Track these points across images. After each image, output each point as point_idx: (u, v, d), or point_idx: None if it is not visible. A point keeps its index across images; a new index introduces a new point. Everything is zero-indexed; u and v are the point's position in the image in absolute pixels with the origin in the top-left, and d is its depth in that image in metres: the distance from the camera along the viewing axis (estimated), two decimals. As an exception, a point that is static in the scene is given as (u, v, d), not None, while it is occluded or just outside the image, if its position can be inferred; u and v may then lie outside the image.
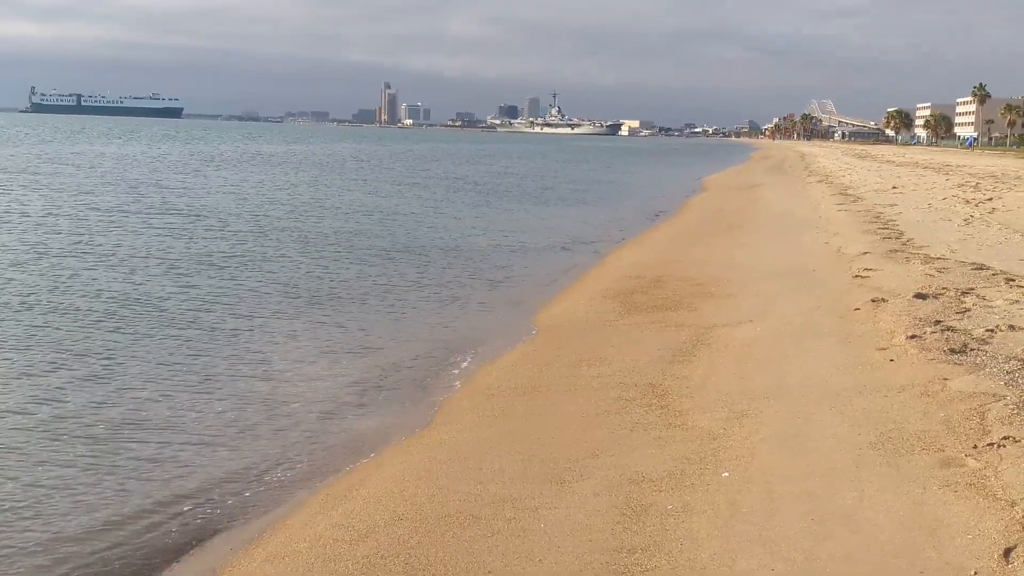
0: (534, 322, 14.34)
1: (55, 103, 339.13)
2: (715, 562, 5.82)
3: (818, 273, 16.28)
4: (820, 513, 6.32)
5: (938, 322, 11.09)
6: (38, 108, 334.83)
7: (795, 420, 8.35)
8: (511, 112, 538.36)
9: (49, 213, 27.51)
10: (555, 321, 14.22)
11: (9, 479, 7.96)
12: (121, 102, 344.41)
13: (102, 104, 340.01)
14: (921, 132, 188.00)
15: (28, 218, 26.06)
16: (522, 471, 7.65)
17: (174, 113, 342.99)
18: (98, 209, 28.99)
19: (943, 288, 13.28)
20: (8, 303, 14.59)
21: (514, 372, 11.10)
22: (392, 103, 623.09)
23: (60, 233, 23.04)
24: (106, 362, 11.68)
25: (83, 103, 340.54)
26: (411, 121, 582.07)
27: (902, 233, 20.86)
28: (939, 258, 16.57)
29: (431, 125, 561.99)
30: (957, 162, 66.96)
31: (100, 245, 21.22)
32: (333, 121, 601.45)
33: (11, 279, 16.53)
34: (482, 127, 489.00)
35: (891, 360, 9.81)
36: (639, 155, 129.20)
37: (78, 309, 14.36)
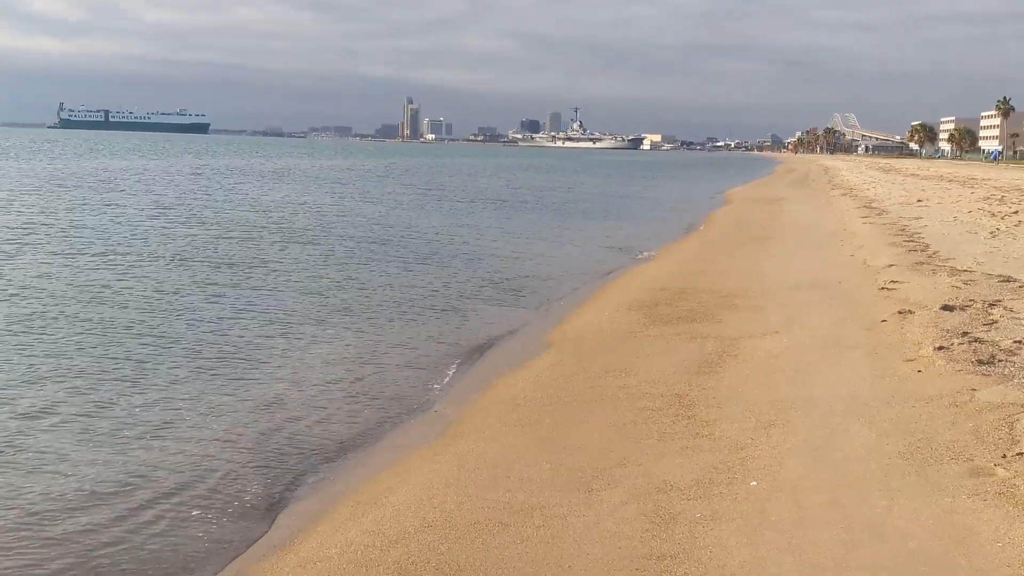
0: (559, 333, 14.39)
1: (83, 119, 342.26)
2: (744, 570, 5.84)
3: (844, 285, 16.26)
4: (849, 522, 6.33)
5: (965, 333, 11.07)
6: (66, 124, 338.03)
7: (823, 430, 8.35)
8: (533, 127, 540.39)
9: (95, 225, 27.83)
10: (580, 332, 14.26)
11: (36, 478, 8.07)
12: (148, 118, 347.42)
13: (130, 120, 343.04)
14: (945, 146, 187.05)
15: (79, 230, 26.36)
16: (550, 479, 7.69)
17: (201, 129, 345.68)
18: (158, 218, 29.31)
19: (970, 300, 13.24)
20: (41, 311, 14.78)
21: (539, 382, 11.15)
22: (414, 118, 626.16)
23: (112, 243, 23.30)
24: (132, 367, 11.83)
25: (111, 119, 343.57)
26: (433, 136, 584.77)
27: (928, 246, 20.79)
28: (965, 270, 16.52)
29: (453, 140, 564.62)
30: (982, 175, 66.54)
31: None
32: (356, 136, 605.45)
33: (54, 285, 16.75)
34: (504, 141, 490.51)
35: (919, 371, 9.81)
36: (661, 169, 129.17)
37: (108, 315, 14.54)
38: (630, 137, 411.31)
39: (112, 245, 23.39)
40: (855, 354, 11.03)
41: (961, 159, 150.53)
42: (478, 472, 8.01)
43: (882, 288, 15.08)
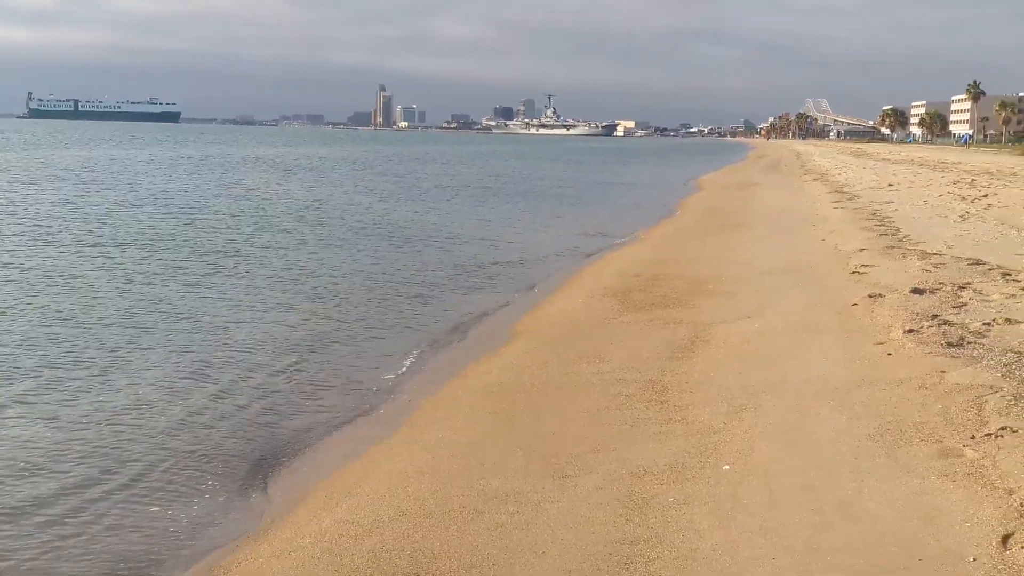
0: (532, 320, 14.41)
1: (53, 108, 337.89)
2: (717, 552, 5.88)
3: (816, 270, 16.37)
4: (820, 504, 6.39)
5: (935, 316, 11.18)
6: (36, 114, 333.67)
7: (794, 414, 8.42)
8: (506, 113, 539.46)
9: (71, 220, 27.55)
10: (553, 319, 14.29)
11: (27, 483, 8.01)
12: (119, 107, 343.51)
13: (100, 109, 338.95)
14: (916, 130, 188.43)
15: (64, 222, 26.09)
16: (524, 466, 7.71)
17: (172, 117, 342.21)
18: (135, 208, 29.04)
19: (940, 283, 13.37)
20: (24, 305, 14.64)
21: (513, 369, 11.16)
22: (387, 106, 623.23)
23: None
24: (101, 355, 11.78)
25: (81, 108, 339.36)
26: (406, 123, 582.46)
27: (898, 230, 20.96)
28: (935, 254, 16.67)
29: (426, 127, 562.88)
30: (952, 159, 67.14)
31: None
32: (328, 124, 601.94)
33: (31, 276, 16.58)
34: (477, 129, 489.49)
35: (889, 354, 9.89)
36: (634, 155, 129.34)
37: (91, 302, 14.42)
38: (604, 124, 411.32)
39: (87, 234, 23.18)
40: (826, 338, 11.11)
41: (932, 143, 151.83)
42: (452, 460, 8.02)
43: (853, 272, 15.19)
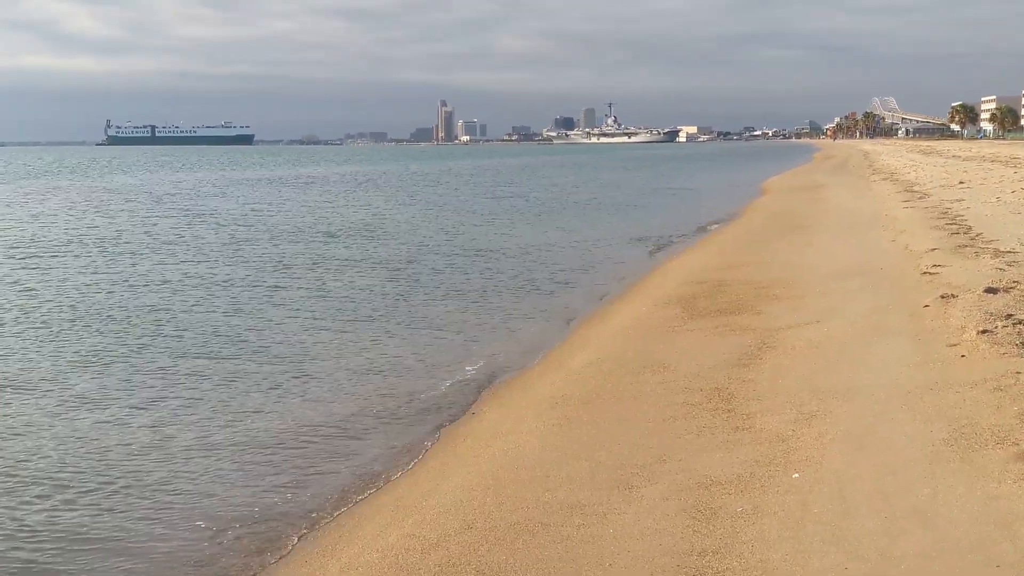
0: (597, 330, 14.36)
1: (131, 135, 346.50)
2: (787, 563, 5.78)
3: (885, 271, 16.04)
4: (893, 511, 6.24)
5: (1010, 316, 10.86)
6: (114, 141, 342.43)
7: (866, 419, 8.24)
8: (567, 124, 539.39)
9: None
10: (618, 328, 14.21)
11: (79, 495, 8.19)
12: (194, 131, 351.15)
13: (176, 135, 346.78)
14: (987, 126, 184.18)
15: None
16: (589, 478, 7.67)
17: (246, 140, 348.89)
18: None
19: (1014, 282, 13.00)
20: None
21: (578, 380, 11.12)
22: (448, 120, 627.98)
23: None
24: (167, 382, 11.99)
25: (157, 134, 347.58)
26: (468, 137, 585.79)
27: (970, 228, 20.46)
28: (1009, 252, 16.24)
29: (488, 140, 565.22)
30: (1026, 154, 65.42)
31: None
32: (391, 141, 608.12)
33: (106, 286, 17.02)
34: (538, 140, 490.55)
35: (962, 356, 9.64)
36: (697, 160, 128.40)
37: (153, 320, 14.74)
38: (665, 130, 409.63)
39: (184, 251, 23.73)
40: (897, 341, 10.88)
41: (1003, 139, 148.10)
42: (517, 472, 8.01)
43: (924, 273, 14.85)
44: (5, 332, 14.81)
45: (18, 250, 25.72)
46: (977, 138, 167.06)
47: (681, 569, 5.86)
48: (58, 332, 14.79)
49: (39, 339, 14.29)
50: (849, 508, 6.42)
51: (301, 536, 7.49)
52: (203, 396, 11.34)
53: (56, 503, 8.10)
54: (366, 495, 8.29)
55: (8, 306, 16.99)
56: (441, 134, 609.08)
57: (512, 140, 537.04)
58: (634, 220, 35.96)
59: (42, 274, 21.12)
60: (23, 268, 22.06)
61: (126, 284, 19.74)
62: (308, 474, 8.81)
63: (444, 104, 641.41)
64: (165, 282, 19.98)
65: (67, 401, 11.08)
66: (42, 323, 15.50)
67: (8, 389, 11.54)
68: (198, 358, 13.16)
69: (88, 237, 29.40)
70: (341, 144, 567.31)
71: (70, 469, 8.88)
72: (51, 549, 7.25)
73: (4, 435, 9.80)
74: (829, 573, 5.58)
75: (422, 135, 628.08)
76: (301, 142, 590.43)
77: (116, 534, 7.53)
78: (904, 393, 8.77)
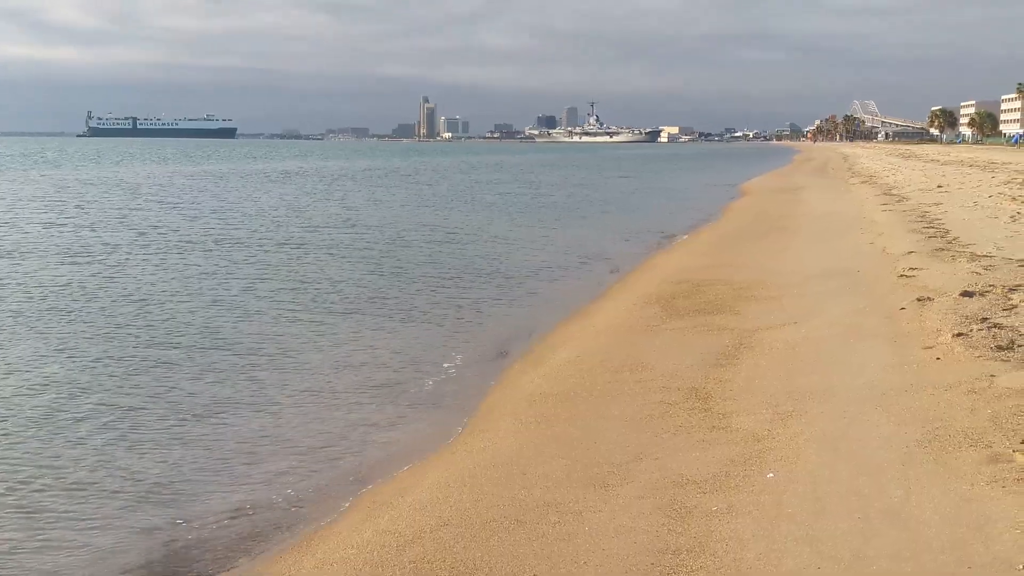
0: (576, 328, 14.37)
1: (112, 127, 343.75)
2: (761, 562, 5.80)
3: (863, 274, 16.14)
4: (867, 511, 6.28)
5: (985, 319, 10.96)
6: (95, 132, 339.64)
7: (841, 420, 8.29)
8: (549, 122, 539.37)
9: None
10: (597, 327, 14.23)
11: (47, 486, 8.13)
12: (176, 124, 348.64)
13: (158, 127, 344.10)
14: (966, 130, 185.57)
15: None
16: (566, 476, 7.68)
17: (228, 133, 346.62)
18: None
19: (990, 285, 13.11)
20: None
21: (556, 378, 11.13)
22: (431, 116, 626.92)
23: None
24: (140, 373, 11.91)
25: (139, 126, 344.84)
26: (450, 134, 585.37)
27: (948, 231, 20.61)
28: (985, 256, 16.36)
29: (470, 137, 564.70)
30: (1003, 159, 65.92)
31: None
32: (373, 136, 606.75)
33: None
34: (520, 138, 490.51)
35: (938, 358, 9.72)
36: (678, 161, 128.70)
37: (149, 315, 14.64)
38: (647, 130, 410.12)
39: (163, 249, 23.58)
40: (874, 343, 10.95)
41: (982, 143, 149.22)
42: (494, 469, 8.01)
43: (901, 275, 14.95)
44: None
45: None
46: (956, 142, 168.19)
47: (655, 567, 5.88)
48: (29, 323, 14.66)
49: (11, 329, 14.16)
50: (823, 508, 6.45)
51: (276, 532, 7.45)
52: (176, 388, 11.28)
53: (25, 493, 8.02)
54: (341, 491, 8.26)
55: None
56: (423, 130, 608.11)
57: (494, 138, 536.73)
58: (615, 220, 35.99)
59: (13, 265, 20.93)
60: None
61: (100, 276, 19.57)
62: (282, 469, 8.76)
63: (426, 100, 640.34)
64: (143, 274, 19.85)
65: (38, 390, 10.98)
66: (12, 313, 15.35)
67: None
68: (171, 349, 13.09)
69: (61, 228, 29.18)
70: (322, 139, 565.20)
71: (40, 459, 8.79)
72: (21, 540, 7.19)
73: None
74: (802, 573, 5.61)
75: (404, 131, 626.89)
76: (282, 136, 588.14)
77: (85, 527, 7.46)
78: (879, 395, 8.83)
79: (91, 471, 8.61)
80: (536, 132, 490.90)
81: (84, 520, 7.60)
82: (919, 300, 12.57)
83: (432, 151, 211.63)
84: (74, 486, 8.26)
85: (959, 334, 10.36)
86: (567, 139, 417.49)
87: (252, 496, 8.12)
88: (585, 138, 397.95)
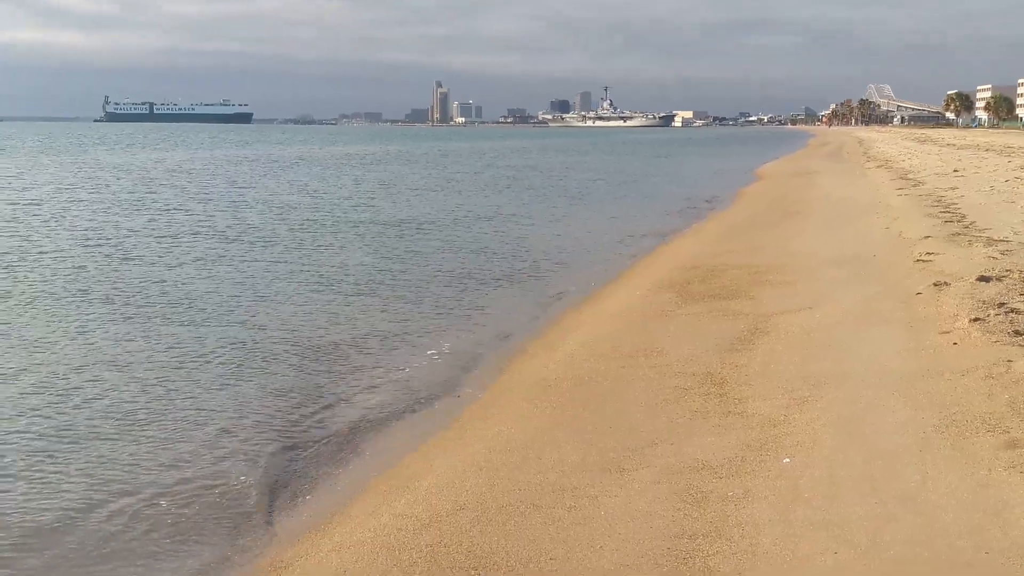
0: (590, 313, 14.37)
1: (129, 112, 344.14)
2: (777, 547, 5.80)
3: (879, 258, 16.07)
4: (883, 496, 6.27)
5: (1002, 304, 10.90)
6: (112, 117, 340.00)
7: (857, 405, 8.27)
8: (563, 107, 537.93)
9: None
10: (611, 312, 14.23)
11: (88, 459, 8.19)
12: (193, 109, 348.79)
13: (174, 112, 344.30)
14: (982, 114, 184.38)
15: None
16: (581, 460, 7.69)
17: (244, 118, 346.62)
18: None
19: (1007, 270, 13.04)
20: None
21: (571, 363, 11.14)
22: (444, 102, 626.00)
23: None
24: (161, 351, 12.01)
25: (155, 111, 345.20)
26: (463, 119, 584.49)
27: (964, 216, 20.49)
28: (1002, 240, 16.27)
29: (483, 122, 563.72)
30: (1020, 143, 65.45)
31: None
32: (386, 122, 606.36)
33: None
34: (534, 123, 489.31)
35: (954, 343, 9.68)
36: (692, 145, 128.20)
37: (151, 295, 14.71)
38: (661, 114, 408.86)
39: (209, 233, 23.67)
40: (890, 328, 10.91)
41: (998, 127, 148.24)
42: (509, 454, 8.02)
43: (917, 260, 14.88)
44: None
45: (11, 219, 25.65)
46: (972, 127, 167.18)
47: (671, 552, 5.89)
48: (29, 302, 14.75)
49: (17, 306, 14.25)
50: (839, 493, 6.45)
51: (292, 514, 7.50)
52: (185, 367, 11.40)
53: (22, 467, 8.09)
54: (358, 475, 8.30)
55: None
56: (436, 115, 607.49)
57: (507, 123, 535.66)
58: (629, 204, 35.94)
59: (28, 245, 21.04)
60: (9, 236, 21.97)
61: (115, 257, 19.67)
62: (299, 452, 8.81)
63: (439, 85, 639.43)
64: (159, 255, 19.95)
65: (34, 369, 11.05)
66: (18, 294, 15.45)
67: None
68: (182, 325, 13.21)
69: (77, 210, 29.34)
70: (336, 124, 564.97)
71: (39, 438, 8.86)
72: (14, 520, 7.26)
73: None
74: (819, 557, 5.61)
75: (417, 116, 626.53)
76: (295, 121, 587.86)
77: (88, 504, 7.53)
78: (896, 380, 8.80)
79: (104, 440, 8.67)
80: (549, 117, 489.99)
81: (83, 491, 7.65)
82: (935, 285, 12.51)
83: (446, 136, 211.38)
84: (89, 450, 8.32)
85: (976, 319, 10.31)
86: (580, 124, 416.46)
87: (269, 477, 8.17)
88: (599, 122, 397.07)
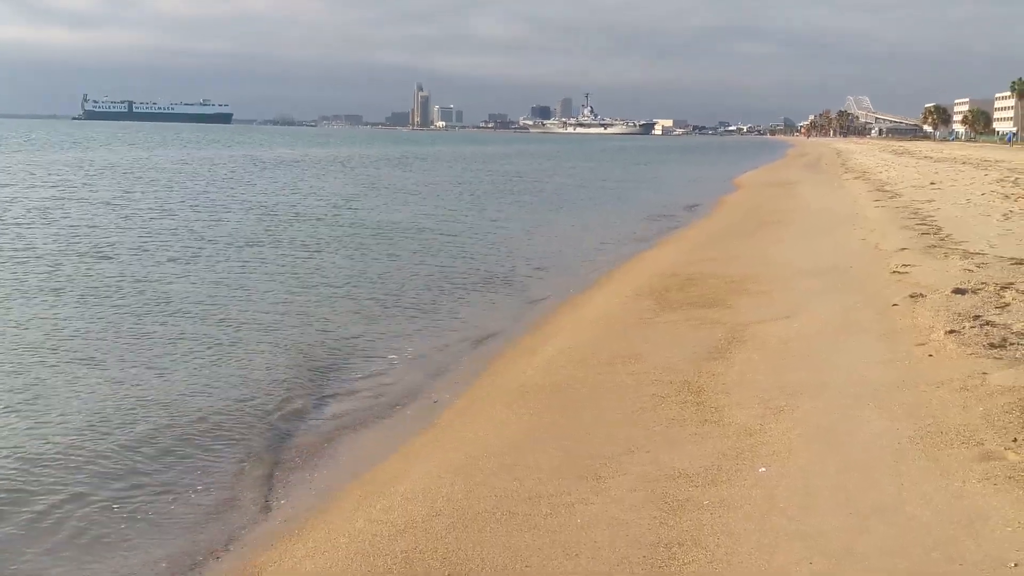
0: (568, 320, 14.37)
1: (108, 110, 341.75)
2: (753, 556, 5.81)
3: (855, 270, 16.16)
4: (858, 507, 6.29)
5: (977, 317, 10.98)
6: (91, 115, 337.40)
7: (833, 415, 8.30)
8: (544, 113, 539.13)
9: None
10: (589, 318, 14.23)
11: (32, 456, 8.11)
12: (172, 108, 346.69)
13: (154, 111, 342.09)
14: (959, 128, 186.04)
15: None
16: (558, 467, 7.67)
17: (224, 119, 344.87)
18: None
19: (982, 283, 13.13)
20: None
21: (548, 370, 11.12)
22: (425, 105, 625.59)
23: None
24: (131, 351, 11.95)
25: (135, 110, 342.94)
26: (444, 123, 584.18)
27: (940, 229, 20.63)
28: (978, 253, 16.39)
29: (464, 127, 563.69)
30: (996, 157, 66.11)
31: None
32: (367, 124, 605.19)
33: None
34: (515, 128, 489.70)
35: (930, 355, 9.73)
36: (672, 153, 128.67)
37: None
38: (641, 122, 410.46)
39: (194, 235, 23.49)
40: (866, 339, 10.96)
41: (975, 141, 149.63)
42: (486, 460, 8.00)
43: (894, 272, 14.97)
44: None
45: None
46: (949, 140, 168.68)
47: (648, 560, 5.88)
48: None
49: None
50: (815, 503, 6.46)
51: (266, 518, 7.45)
52: (155, 366, 11.36)
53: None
54: (333, 480, 8.25)
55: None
56: (417, 119, 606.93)
57: (488, 127, 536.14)
58: (607, 212, 36.01)
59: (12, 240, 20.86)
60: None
61: (94, 253, 19.52)
62: (273, 456, 8.76)
63: (421, 89, 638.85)
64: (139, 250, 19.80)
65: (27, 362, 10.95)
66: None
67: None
68: (156, 325, 13.16)
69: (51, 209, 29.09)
70: (315, 126, 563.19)
71: (32, 439, 8.77)
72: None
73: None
74: (794, 567, 5.62)
75: (398, 119, 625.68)
76: (275, 122, 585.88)
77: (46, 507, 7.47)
78: (871, 391, 8.84)
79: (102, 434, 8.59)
80: (531, 123, 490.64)
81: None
82: (912, 297, 12.59)
83: (426, 140, 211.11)
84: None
85: (951, 331, 10.38)
86: (561, 130, 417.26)
87: (240, 479, 8.11)
88: (580, 129, 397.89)
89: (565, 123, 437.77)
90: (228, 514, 7.53)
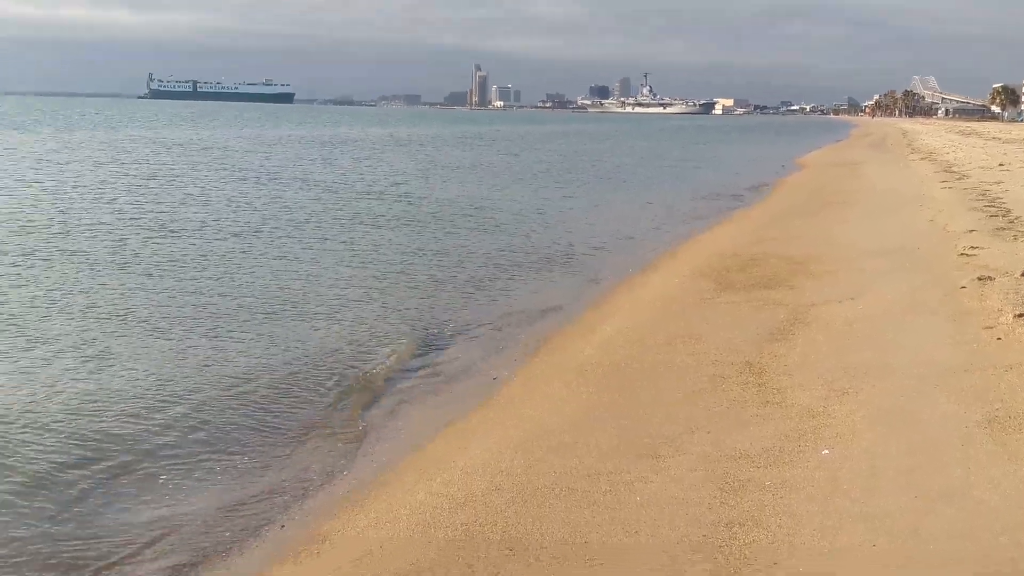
0: (628, 300, 14.31)
1: (173, 89, 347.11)
2: (815, 537, 5.76)
3: (922, 251, 15.87)
4: (924, 490, 6.20)
5: (1048, 300, 10.73)
6: (156, 94, 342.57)
7: (898, 398, 8.18)
8: (602, 92, 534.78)
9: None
10: (649, 299, 14.16)
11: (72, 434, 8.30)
12: (236, 88, 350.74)
13: (218, 90, 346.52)
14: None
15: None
16: (617, 446, 7.66)
17: (286, 98, 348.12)
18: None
19: (1054, 266, 12.82)
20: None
21: (607, 349, 11.09)
22: (483, 85, 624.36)
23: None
24: (198, 326, 12.18)
25: (199, 89, 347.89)
26: (501, 103, 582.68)
27: (1009, 211, 20.15)
28: (1049, 236, 15.99)
29: (521, 107, 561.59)
30: (1069, 138, 64.30)
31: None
32: (425, 104, 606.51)
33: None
34: (572, 108, 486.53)
35: (998, 339, 9.54)
36: (733, 133, 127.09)
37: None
38: (701, 102, 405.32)
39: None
40: (933, 321, 10.77)
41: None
42: (545, 437, 8.02)
43: (961, 254, 14.67)
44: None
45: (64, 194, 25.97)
46: (1018, 120, 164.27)
47: (708, 539, 5.86)
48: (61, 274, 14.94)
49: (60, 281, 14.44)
50: (879, 486, 6.38)
51: (329, 489, 7.56)
52: (219, 337, 11.59)
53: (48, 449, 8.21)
54: (394, 454, 8.34)
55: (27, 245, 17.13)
56: (475, 99, 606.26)
57: (546, 107, 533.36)
58: (668, 192, 35.71)
59: (75, 218, 21.32)
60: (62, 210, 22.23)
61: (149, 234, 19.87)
62: (336, 430, 8.88)
63: (478, 69, 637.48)
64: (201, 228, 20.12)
65: (69, 346, 11.19)
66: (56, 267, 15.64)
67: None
68: (222, 297, 13.34)
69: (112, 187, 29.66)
70: (375, 106, 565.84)
71: (71, 408, 8.98)
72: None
73: None
74: (857, 549, 5.56)
75: (456, 99, 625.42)
76: (335, 102, 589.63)
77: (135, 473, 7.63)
78: (938, 373, 8.69)
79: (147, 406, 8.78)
80: (588, 102, 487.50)
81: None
82: (980, 279, 12.33)
83: (484, 120, 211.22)
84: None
85: (1020, 315, 10.16)
86: (620, 110, 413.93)
87: (308, 453, 8.24)
88: (638, 109, 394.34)
89: (623, 103, 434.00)
90: (292, 484, 7.66)
